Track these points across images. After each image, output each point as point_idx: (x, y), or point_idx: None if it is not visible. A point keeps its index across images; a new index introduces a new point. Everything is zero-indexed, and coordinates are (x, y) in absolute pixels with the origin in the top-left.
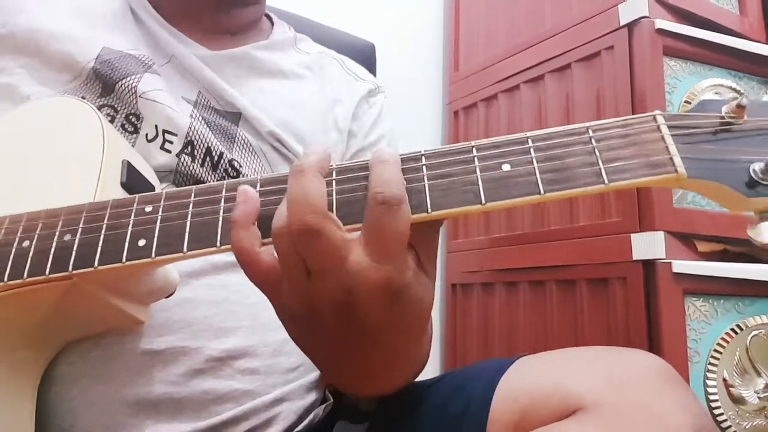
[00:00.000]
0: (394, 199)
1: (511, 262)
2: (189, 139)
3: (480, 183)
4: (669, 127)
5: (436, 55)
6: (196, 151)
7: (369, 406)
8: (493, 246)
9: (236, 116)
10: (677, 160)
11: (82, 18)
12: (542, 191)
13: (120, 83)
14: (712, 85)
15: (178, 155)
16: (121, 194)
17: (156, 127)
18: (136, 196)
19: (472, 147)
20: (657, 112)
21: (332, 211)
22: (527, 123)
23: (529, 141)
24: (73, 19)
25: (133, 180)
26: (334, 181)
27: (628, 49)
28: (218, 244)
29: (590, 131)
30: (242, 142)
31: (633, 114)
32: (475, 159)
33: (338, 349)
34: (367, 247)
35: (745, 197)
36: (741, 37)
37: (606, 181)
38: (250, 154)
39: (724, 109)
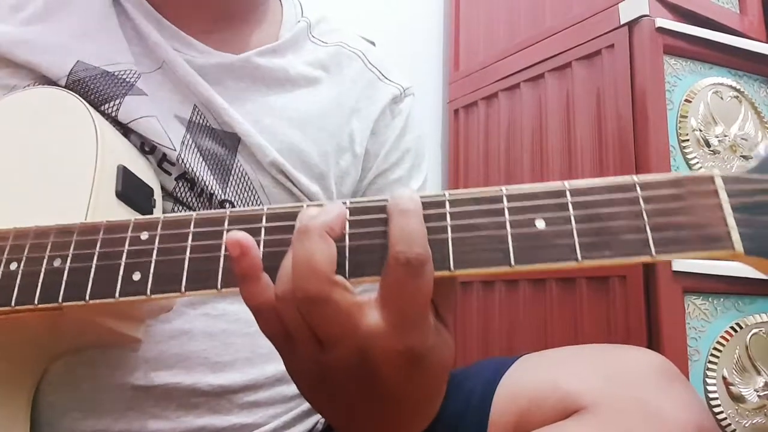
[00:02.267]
0: (418, 260)
1: None
2: (183, 171)
3: (510, 241)
4: (727, 192)
5: (436, 53)
6: (192, 183)
7: None
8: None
9: (235, 139)
10: (735, 235)
11: (52, 21)
12: (579, 257)
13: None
14: (712, 84)
15: (177, 179)
16: (116, 205)
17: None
18: (132, 220)
19: (503, 195)
20: (716, 172)
21: (344, 258)
22: (528, 122)
23: (568, 194)
24: (42, 24)
25: (129, 188)
26: (347, 223)
27: (629, 47)
28: (219, 286)
29: (638, 188)
30: (239, 175)
31: (632, 114)
32: (506, 210)
33: (354, 412)
34: (386, 311)
35: None
36: (741, 36)
37: (653, 253)
38: (246, 190)
39: None
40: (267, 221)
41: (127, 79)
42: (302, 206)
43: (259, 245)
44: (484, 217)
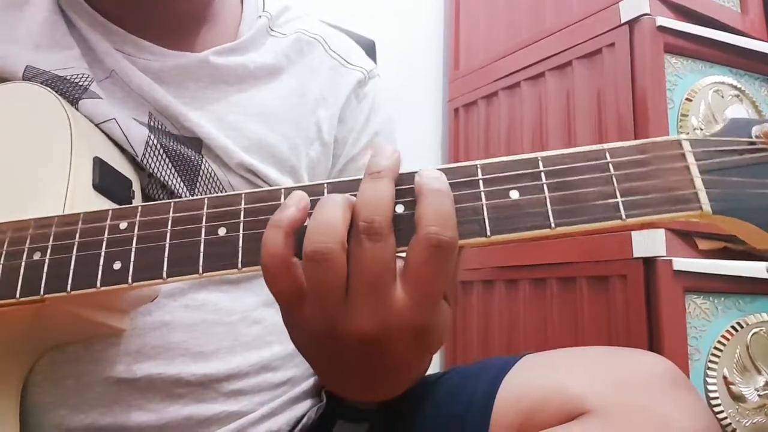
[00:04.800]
0: (451, 244)
1: (512, 259)
2: (148, 172)
3: (485, 213)
4: (694, 155)
5: (437, 52)
6: (162, 184)
7: (370, 406)
8: (493, 243)
9: (197, 143)
10: (702, 195)
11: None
12: (553, 224)
13: None
14: (713, 83)
15: (149, 176)
16: (93, 197)
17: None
18: (110, 210)
19: (478, 168)
20: (682, 136)
21: None
22: (528, 121)
23: (540, 164)
24: None
25: (105, 180)
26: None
27: (629, 46)
28: (200, 270)
29: (608, 155)
30: (207, 175)
31: (633, 112)
32: (480, 183)
33: (350, 373)
34: (410, 286)
35: None
36: (742, 35)
37: (623, 217)
38: (216, 191)
39: (755, 130)
40: (246, 203)
41: (80, 83)
42: (280, 190)
43: (239, 228)
44: (459, 190)
